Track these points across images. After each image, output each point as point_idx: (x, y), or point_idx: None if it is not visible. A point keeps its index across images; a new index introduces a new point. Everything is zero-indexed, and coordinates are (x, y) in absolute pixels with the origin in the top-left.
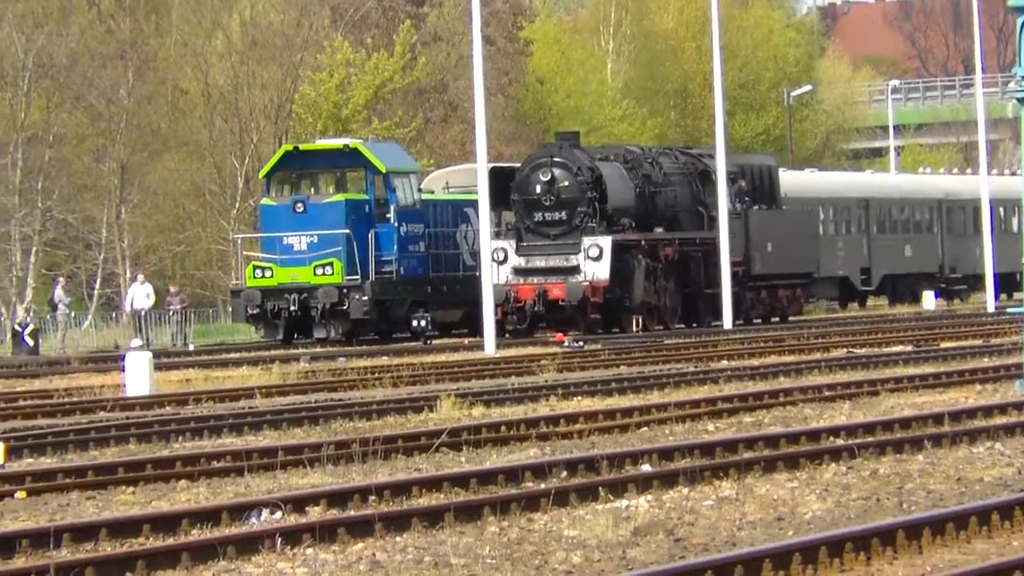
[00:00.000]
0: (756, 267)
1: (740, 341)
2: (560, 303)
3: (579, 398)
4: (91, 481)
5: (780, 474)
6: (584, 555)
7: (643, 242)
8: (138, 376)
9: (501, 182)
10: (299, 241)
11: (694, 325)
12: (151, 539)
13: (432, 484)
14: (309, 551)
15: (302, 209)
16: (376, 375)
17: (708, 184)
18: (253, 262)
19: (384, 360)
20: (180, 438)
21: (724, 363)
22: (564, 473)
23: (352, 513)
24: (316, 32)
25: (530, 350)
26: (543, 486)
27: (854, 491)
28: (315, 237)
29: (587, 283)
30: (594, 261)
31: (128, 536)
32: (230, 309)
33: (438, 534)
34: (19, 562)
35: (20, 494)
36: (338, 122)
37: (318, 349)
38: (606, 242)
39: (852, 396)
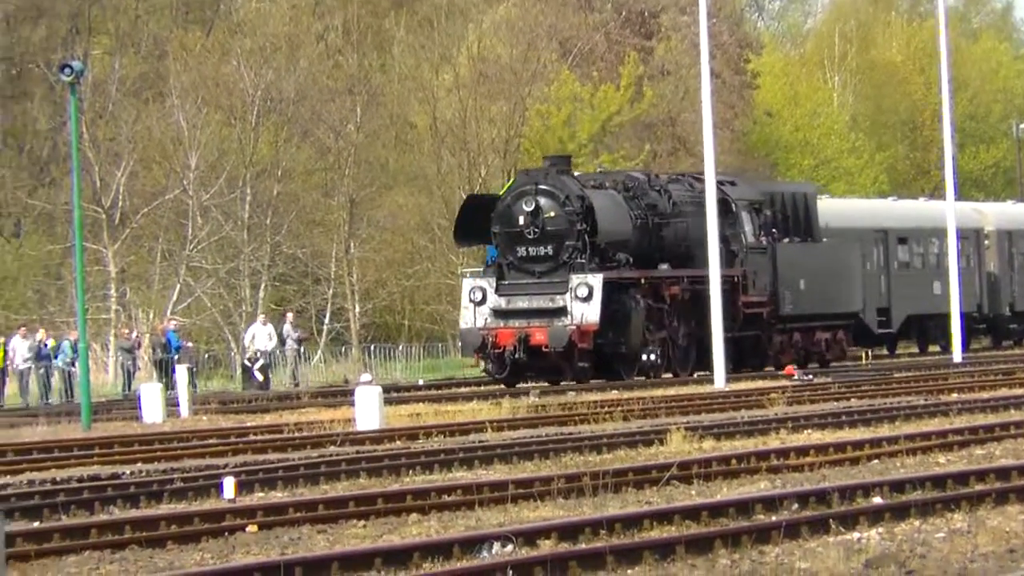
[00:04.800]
0: (785, 307)
1: (970, 374)
2: (543, 349)
3: (809, 431)
4: (322, 515)
5: (1012, 506)
6: None
7: (643, 280)
8: (368, 410)
9: (480, 212)
10: None
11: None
12: (382, 573)
13: (663, 517)
14: None
15: None
16: (606, 409)
17: (728, 215)
18: None
19: (614, 394)
20: (411, 472)
21: (954, 396)
22: (795, 506)
23: (583, 546)
24: (544, 66)
25: (760, 383)
26: (774, 519)
27: None
28: None
29: (574, 326)
30: (582, 302)
31: (359, 569)
32: (459, 344)
33: (669, 567)
34: None
35: (251, 528)
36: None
37: (547, 384)
38: (596, 280)
39: None
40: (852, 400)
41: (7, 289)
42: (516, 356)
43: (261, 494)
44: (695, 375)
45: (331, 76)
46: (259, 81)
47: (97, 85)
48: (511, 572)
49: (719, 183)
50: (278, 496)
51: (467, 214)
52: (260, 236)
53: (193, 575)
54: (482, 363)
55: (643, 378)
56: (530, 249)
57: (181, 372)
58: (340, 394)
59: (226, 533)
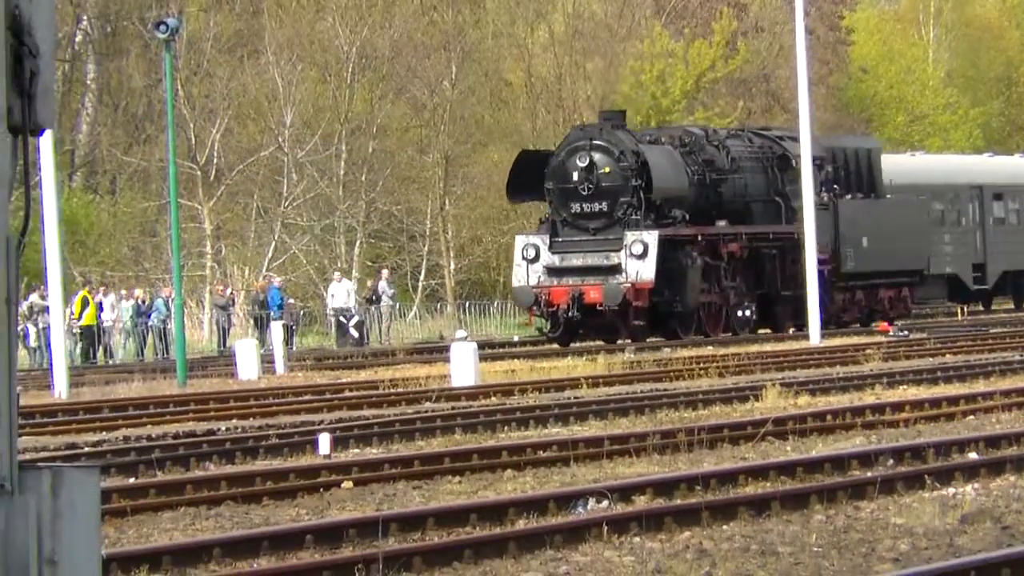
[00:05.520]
0: (847, 264)
1: None
2: (598, 307)
3: (904, 387)
4: (417, 471)
5: None
6: (911, 543)
7: (699, 237)
8: (464, 367)
9: (533, 168)
10: None
11: (771, 331)
12: (478, 528)
13: (758, 473)
14: (636, 539)
15: None
16: (701, 365)
17: (788, 170)
18: None
19: (709, 350)
20: (506, 428)
21: None
22: (890, 461)
23: (679, 502)
24: (638, 23)
25: (855, 339)
26: (869, 474)
27: None
28: None
29: (629, 284)
30: (638, 259)
31: (455, 525)
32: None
33: (764, 522)
34: (347, 552)
35: (347, 484)
36: (659, 112)
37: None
38: (652, 237)
39: None
40: (947, 356)
41: (103, 246)
42: (570, 314)
43: (356, 450)
44: (789, 331)
45: (426, 33)
46: (354, 38)
47: (192, 42)
48: (606, 528)
49: (778, 138)
50: (373, 452)
51: (520, 170)
52: (355, 193)
53: (289, 531)
54: (534, 322)
55: (702, 336)
56: (584, 205)
57: (277, 329)
58: (435, 350)
59: (321, 489)
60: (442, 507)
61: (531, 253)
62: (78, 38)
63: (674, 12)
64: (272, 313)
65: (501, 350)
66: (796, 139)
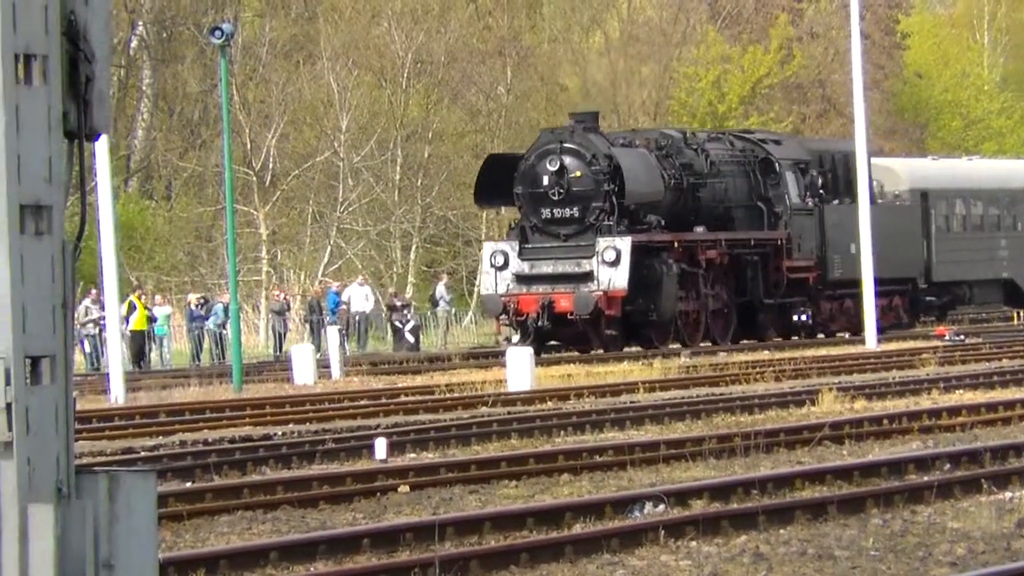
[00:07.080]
0: (834, 272)
1: None
2: (569, 317)
3: (961, 391)
4: (474, 475)
5: None
6: (968, 547)
7: (676, 243)
8: (520, 372)
9: (503, 172)
10: None
11: (756, 340)
12: (534, 532)
13: (815, 477)
14: (692, 543)
15: None
16: (757, 369)
17: (770, 174)
18: None
19: (765, 355)
20: (562, 432)
21: None
22: (947, 466)
23: (735, 506)
24: (693, 28)
25: (911, 344)
26: (926, 478)
27: None
28: None
29: (600, 292)
30: (610, 266)
31: (511, 529)
32: None
33: (821, 526)
34: (403, 555)
35: (403, 488)
36: (715, 118)
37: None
38: (625, 243)
39: None
40: (1003, 360)
41: (159, 251)
42: (540, 324)
43: (413, 454)
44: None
45: (481, 38)
46: (410, 43)
47: (247, 48)
48: (663, 532)
49: (760, 141)
50: (430, 456)
51: (489, 174)
52: (411, 198)
53: (346, 535)
54: (503, 332)
55: (679, 344)
56: (555, 211)
57: (333, 334)
58: (491, 355)
59: (378, 493)
60: (498, 511)
61: (500, 260)
62: (134, 44)
63: (729, 17)
64: (328, 318)
65: (557, 355)
66: (779, 142)
